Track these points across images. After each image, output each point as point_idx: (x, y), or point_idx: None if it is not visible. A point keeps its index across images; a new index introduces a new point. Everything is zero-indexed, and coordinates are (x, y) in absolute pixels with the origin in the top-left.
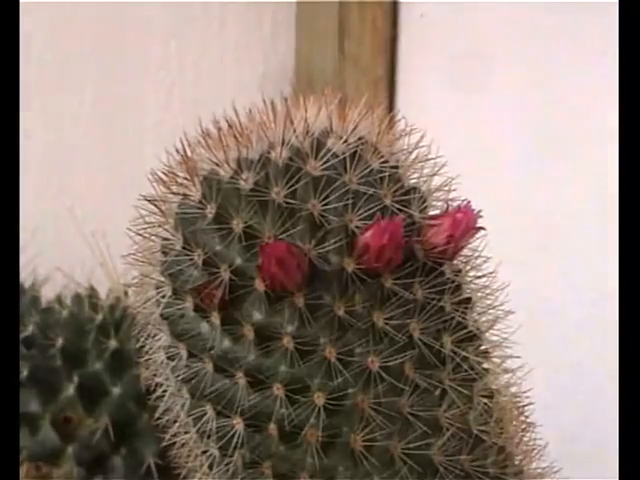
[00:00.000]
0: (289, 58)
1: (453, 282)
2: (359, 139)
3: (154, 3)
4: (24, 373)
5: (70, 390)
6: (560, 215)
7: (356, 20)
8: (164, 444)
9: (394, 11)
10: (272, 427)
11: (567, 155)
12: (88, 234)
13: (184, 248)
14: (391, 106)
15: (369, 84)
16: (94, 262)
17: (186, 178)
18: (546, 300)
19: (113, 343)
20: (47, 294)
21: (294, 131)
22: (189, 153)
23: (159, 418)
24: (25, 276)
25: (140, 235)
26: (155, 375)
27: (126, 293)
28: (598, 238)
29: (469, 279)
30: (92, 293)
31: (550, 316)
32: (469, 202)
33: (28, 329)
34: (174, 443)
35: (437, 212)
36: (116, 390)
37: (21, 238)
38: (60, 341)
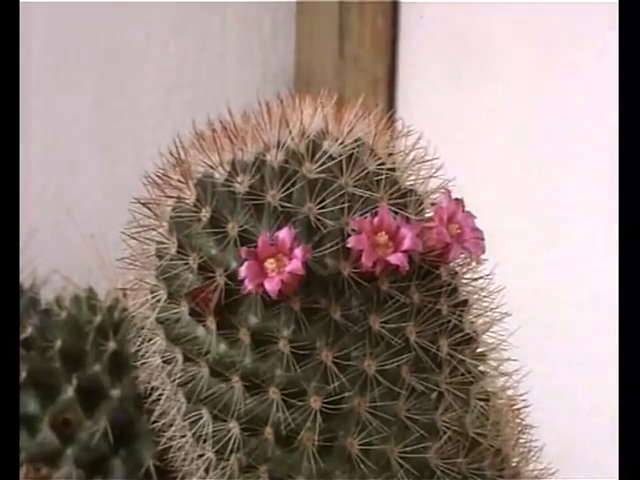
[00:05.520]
0: (289, 58)
1: (449, 285)
2: (355, 141)
3: (154, 3)
4: (23, 375)
5: (69, 392)
6: (559, 216)
7: (356, 20)
8: (163, 447)
9: (394, 11)
10: (268, 431)
11: (567, 156)
12: (87, 236)
13: (179, 252)
14: (391, 106)
15: (369, 84)
16: (93, 264)
17: (180, 181)
18: (545, 301)
19: (112, 345)
20: (46, 296)
21: (290, 133)
22: (183, 155)
23: (155, 422)
24: (24, 277)
25: (134, 239)
26: (151, 379)
27: (125, 295)
28: (597, 239)
29: (465, 281)
30: (91, 295)
31: (549, 317)
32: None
33: (27, 331)
34: (171, 446)
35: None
36: (115, 392)
37: (20, 239)
38: (59, 343)
